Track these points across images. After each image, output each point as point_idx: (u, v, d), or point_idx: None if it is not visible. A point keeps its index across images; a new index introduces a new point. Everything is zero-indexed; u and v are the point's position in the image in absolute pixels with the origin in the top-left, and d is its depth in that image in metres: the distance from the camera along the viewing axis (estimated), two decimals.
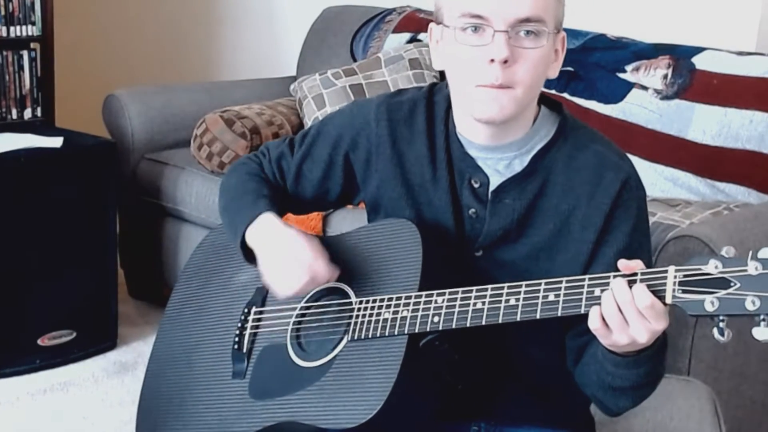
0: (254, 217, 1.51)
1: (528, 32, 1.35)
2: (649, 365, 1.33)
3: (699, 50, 2.71)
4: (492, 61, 1.34)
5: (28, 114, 3.34)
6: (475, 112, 1.40)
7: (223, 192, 1.64)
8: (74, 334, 2.90)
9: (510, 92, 1.36)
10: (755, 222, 2.22)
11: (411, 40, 3.30)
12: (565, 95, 2.86)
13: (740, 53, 2.67)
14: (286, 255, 1.45)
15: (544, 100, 1.49)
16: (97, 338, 2.97)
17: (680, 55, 2.72)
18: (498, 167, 1.45)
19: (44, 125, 3.31)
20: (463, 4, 1.37)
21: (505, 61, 1.34)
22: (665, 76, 2.71)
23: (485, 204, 1.45)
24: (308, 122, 3.14)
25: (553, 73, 1.43)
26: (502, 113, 1.37)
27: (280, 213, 1.54)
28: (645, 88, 2.74)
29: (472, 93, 1.38)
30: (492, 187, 1.45)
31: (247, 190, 1.58)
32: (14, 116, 3.30)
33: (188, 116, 3.23)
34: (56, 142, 2.90)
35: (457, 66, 1.40)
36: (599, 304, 1.25)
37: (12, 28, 3.24)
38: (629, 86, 2.77)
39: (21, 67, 3.30)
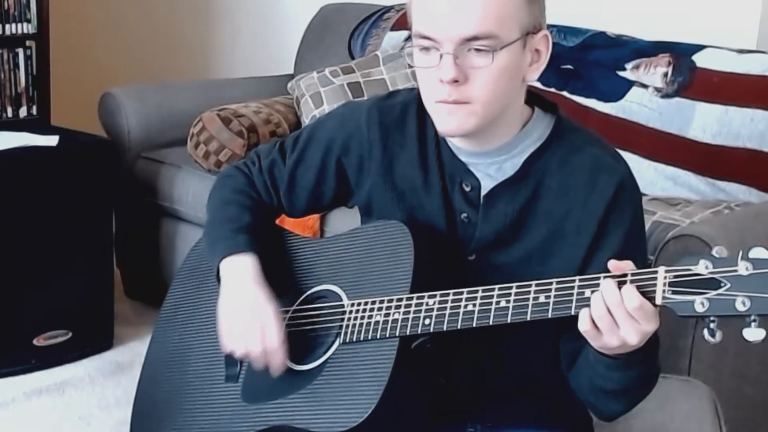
0: (229, 254, 1.52)
1: (478, 50, 1.33)
2: (641, 367, 1.32)
3: (699, 48, 2.69)
4: (442, 81, 1.33)
5: (23, 112, 3.33)
6: (437, 127, 1.40)
7: (208, 207, 1.64)
8: (70, 334, 2.89)
9: (467, 107, 1.35)
10: (756, 221, 2.22)
11: (409, 38, 3.28)
12: (565, 93, 2.85)
13: (741, 51, 2.65)
14: (247, 311, 1.47)
15: (539, 101, 1.47)
16: (93, 338, 2.95)
17: (680, 53, 2.70)
18: (489, 171, 1.44)
19: (40, 123, 3.30)
20: (416, 25, 1.38)
21: (456, 81, 1.33)
22: (665, 74, 2.69)
23: (477, 208, 1.44)
24: (306, 120, 3.12)
25: (532, 76, 1.40)
26: (460, 128, 1.37)
27: (262, 235, 1.55)
28: (645, 86, 2.73)
29: (432, 108, 1.39)
30: (484, 191, 1.44)
31: (227, 216, 1.57)
32: (9, 114, 3.30)
33: (185, 114, 3.21)
34: (52, 140, 2.88)
35: (420, 83, 1.41)
36: (589, 305, 1.24)
37: (7, 26, 3.24)
38: (629, 84, 2.75)
39: (16, 65, 3.29)
